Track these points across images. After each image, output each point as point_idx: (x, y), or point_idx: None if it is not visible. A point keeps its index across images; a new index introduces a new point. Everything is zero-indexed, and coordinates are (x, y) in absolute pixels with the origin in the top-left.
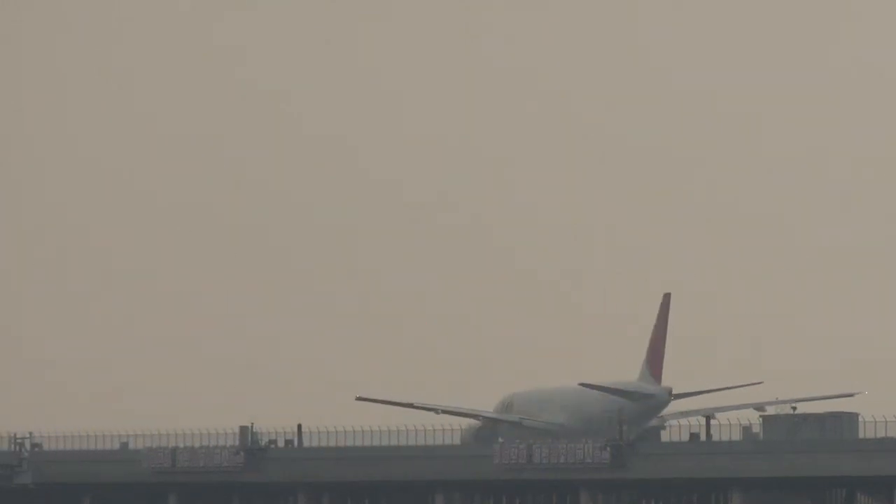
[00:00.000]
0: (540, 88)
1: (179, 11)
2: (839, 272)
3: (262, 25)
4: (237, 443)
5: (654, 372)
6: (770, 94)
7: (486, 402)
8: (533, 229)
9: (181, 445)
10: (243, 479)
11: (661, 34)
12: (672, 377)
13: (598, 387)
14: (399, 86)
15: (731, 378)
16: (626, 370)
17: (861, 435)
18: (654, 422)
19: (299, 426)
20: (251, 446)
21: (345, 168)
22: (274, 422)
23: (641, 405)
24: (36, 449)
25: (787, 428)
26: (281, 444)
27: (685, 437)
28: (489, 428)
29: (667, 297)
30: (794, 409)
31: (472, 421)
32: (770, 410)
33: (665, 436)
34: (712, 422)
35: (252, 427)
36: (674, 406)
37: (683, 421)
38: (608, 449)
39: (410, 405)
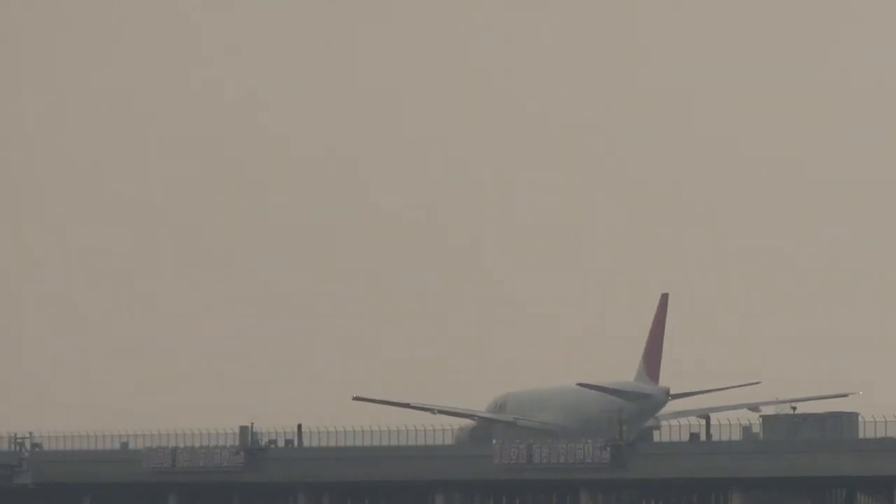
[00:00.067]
0: (539, 88)
1: (179, 11)
2: (838, 272)
3: (261, 25)
4: (237, 443)
5: (651, 372)
6: (770, 95)
7: (483, 403)
8: (532, 229)
9: (181, 445)
10: (243, 479)
11: (661, 34)
12: (669, 377)
13: (596, 387)
14: (398, 86)
15: (729, 378)
16: (623, 370)
17: (861, 435)
18: (648, 422)
19: (299, 426)
20: (251, 446)
21: (344, 168)
22: (274, 422)
23: (639, 405)
24: (36, 449)
25: (787, 428)
26: (281, 444)
27: (685, 437)
28: (484, 428)
29: (664, 297)
30: (794, 409)
31: (467, 421)
32: (765, 410)
33: (664, 436)
34: (712, 422)
35: (252, 427)
36: (671, 406)
37: (682, 421)
38: (608, 449)
39: (407, 405)
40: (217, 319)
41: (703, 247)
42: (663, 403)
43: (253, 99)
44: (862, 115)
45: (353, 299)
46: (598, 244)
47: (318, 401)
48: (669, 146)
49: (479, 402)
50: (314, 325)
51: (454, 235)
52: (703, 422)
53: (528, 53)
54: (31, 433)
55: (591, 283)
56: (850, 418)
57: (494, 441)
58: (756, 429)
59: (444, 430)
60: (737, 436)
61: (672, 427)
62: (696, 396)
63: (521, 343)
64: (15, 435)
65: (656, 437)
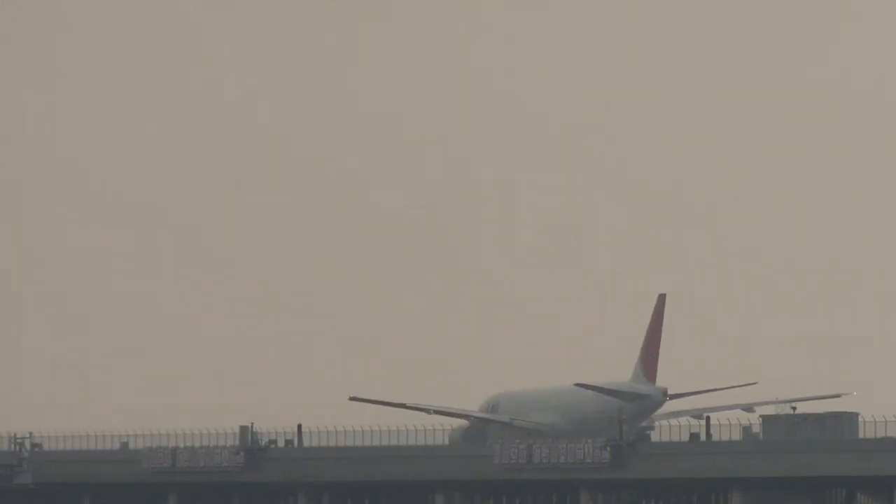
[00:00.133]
0: (539, 88)
1: (179, 11)
2: (838, 272)
3: (261, 25)
4: (237, 443)
5: (649, 372)
6: (770, 95)
7: (479, 403)
8: (532, 229)
9: (181, 445)
10: (243, 479)
11: (661, 34)
12: (668, 377)
13: (594, 387)
14: (398, 86)
15: (729, 379)
16: (624, 371)
17: (861, 435)
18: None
19: (299, 426)
20: (251, 446)
21: (344, 168)
22: (274, 422)
23: (636, 406)
24: (36, 449)
25: (787, 428)
26: (281, 444)
27: (685, 437)
28: (478, 428)
29: (661, 297)
30: (794, 409)
31: (461, 421)
32: (759, 411)
33: (664, 436)
34: (712, 422)
35: (252, 427)
36: (667, 406)
37: (682, 421)
38: (608, 449)
39: (403, 405)
40: (217, 319)
41: (702, 247)
42: (661, 404)
43: (253, 99)
44: (862, 115)
45: (353, 299)
46: (597, 244)
47: (318, 401)
48: (669, 146)
49: (480, 402)
50: (314, 325)
51: (454, 235)
52: (703, 422)
53: (528, 53)
54: (31, 433)
55: (590, 283)
56: (850, 418)
57: (496, 442)
58: (756, 429)
59: (443, 430)
60: (737, 436)
61: (669, 427)
62: (693, 397)
63: (521, 343)
64: (15, 435)
65: (653, 437)
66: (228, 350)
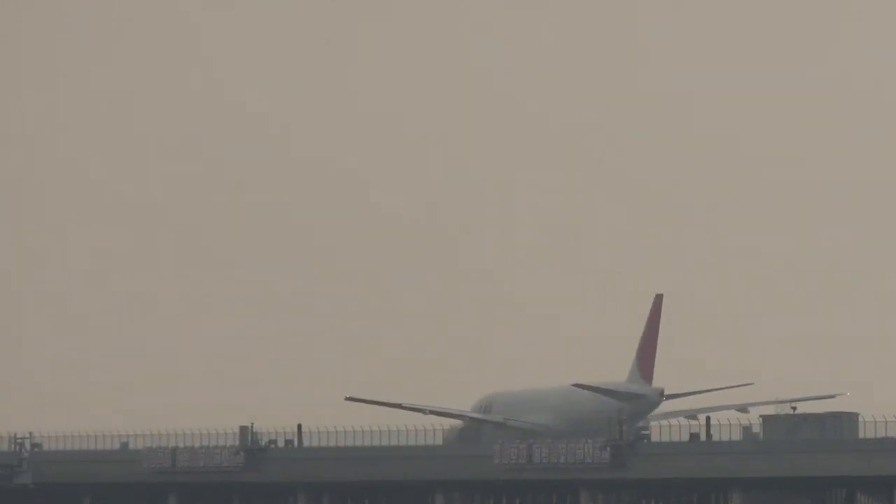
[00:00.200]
0: (539, 88)
1: (179, 12)
2: (837, 272)
3: (261, 25)
4: (237, 443)
5: (645, 373)
6: (770, 95)
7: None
8: (532, 230)
9: (181, 445)
10: (243, 479)
11: (661, 34)
12: (668, 377)
13: (591, 387)
14: (398, 86)
15: (728, 379)
16: (623, 371)
17: (861, 435)
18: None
19: (299, 426)
20: (251, 446)
21: (344, 169)
22: (274, 422)
23: (632, 406)
24: (36, 449)
25: (787, 428)
26: (281, 444)
27: (685, 437)
28: (473, 428)
29: (658, 297)
30: (794, 409)
31: (455, 421)
32: (753, 411)
33: (663, 436)
34: (712, 422)
35: (252, 427)
36: (664, 407)
37: (682, 421)
38: (608, 449)
39: (399, 405)
40: (217, 319)
41: (702, 247)
42: (657, 404)
43: (253, 99)
44: (862, 115)
45: (353, 299)
46: (597, 244)
47: (318, 401)
48: (669, 146)
49: (468, 403)
50: (314, 325)
51: (454, 235)
52: (700, 422)
53: (528, 53)
54: (31, 433)
55: (590, 283)
56: (850, 418)
57: (495, 442)
58: (756, 429)
59: (443, 430)
60: (737, 436)
61: (670, 427)
62: (689, 397)
63: (521, 343)
64: (15, 435)
65: (652, 437)
66: (228, 350)
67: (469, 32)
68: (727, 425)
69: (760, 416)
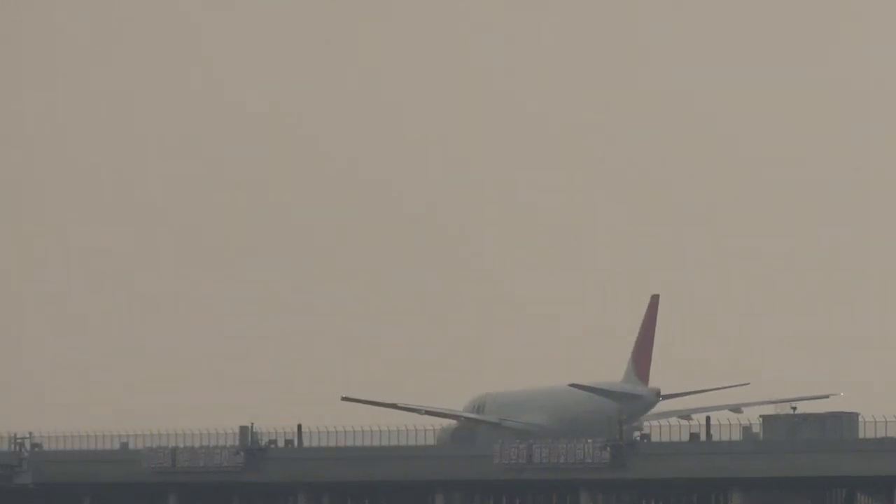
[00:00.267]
0: (539, 88)
1: (179, 12)
2: (837, 272)
3: (261, 25)
4: (237, 443)
5: (641, 373)
6: (770, 95)
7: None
8: (532, 229)
9: (181, 445)
10: (243, 479)
11: (661, 34)
12: (668, 377)
13: (587, 387)
14: (398, 86)
15: (728, 379)
16: (611, 371)
17: (861, 435)
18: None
19: (299, 426)
20: (251, 446)
21: (344, 169)
22: (274, 422)
23: (628, 406)
24: (36, 449)
25: (787, 428)
26: (281, 444)
27: (685, 437)
28: (467, 428)
29: (655, 298)
30: (795, 409)
31: (448, 421)
32: (747, 411)
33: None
34: (712, 422)
35: (252, 427)
36: (660, 407)
37: (679, 421)
38: (608, 449)
39: (394, 406)
40: (217, 319)
41: (702, 247)
42: (653, 404)
43: (253, 99)
44: (862, 115)
45: (353, 299)
46: (597, 244)
47: (318, 401)
48: (669, 146)
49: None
50: (314, 325)
51: (454, 235)
52: (702, 422)
53: (528, 53)
54: (31, 433)
55: (590, 283)
56: (850, 418)
57: (495, 442)
58: (756, 429)
59: (443, 430)
60: (737, 436)
61: (662, 428)
62: (686, 397)
63: (521, 343)
64: (15, 435)
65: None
66: (228, 350)
67: (469, 32)
68: (727, 425)
69: (760, 416)
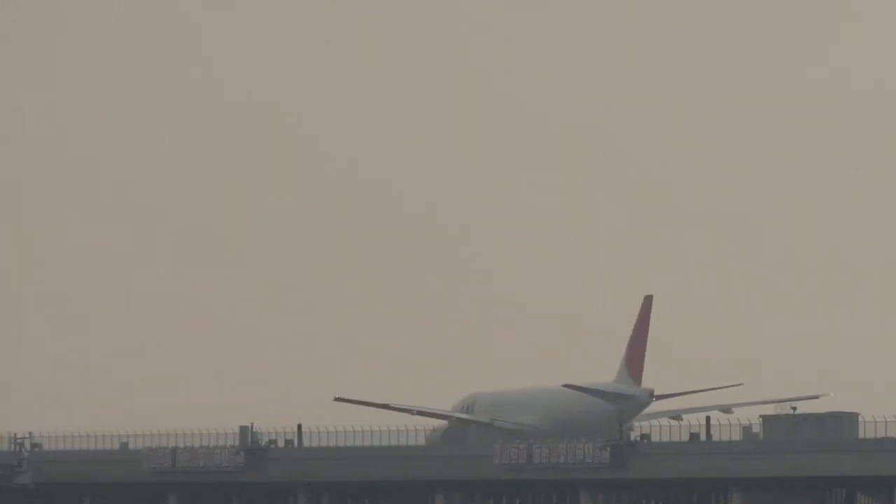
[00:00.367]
0: (539, 88)
1: (179, 12)
2: (838, 272)
3: (261, 25)
4: (237, 443)
5: (634, 373)
6: (770, 95)
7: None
8: (532, 229)
9: (181, 445)
10: (243, 479)
11: (661, 34)
12: (668, 377)
13: (580, 388)
14: (398, 86)
15: (726, 379)
16: (605, 371)
17: (861, 435)
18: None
19: (299, 426)
20: (251, 446)
21: (344, 169)
22: (274, 422)
23: (621, 406)
24: (36, 449)
25: (787, 428)
26: (281, 444)
27: (685, 437)
28: (459, 428)
29: (648, 298)
30: (795, 409)
31: (439, 422)
32: (737, 412)
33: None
34: (712, 422)
35: (252, 427)
36: (652, 408)
37: (682, 421)
38: (608, 449)
39: (387, 406)
40: (217, 319)
41: (702, 247)
42: (646, 404)
43: (253, 99)
44: (862, 115)
45: (353, 299)
46: (597, 244)
47: (318, 401)
48: (669, 146)
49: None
50: (314, 325)
51: (454, 235)
52: (702, 422)
53: (528, 53)
54: (31, 433)
55: (590, 283)
56: (850, 418)
57: (495, 442)
58: (756, 429)
59: (425, 430)
60: (737, 436)
61: (663, 428)
62: (680, 398)
63: (521, 343)
64: (15, 435)
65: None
66: (228, 350)
67: (469, 32)
68: (727, 425)
69: (760, 416)
